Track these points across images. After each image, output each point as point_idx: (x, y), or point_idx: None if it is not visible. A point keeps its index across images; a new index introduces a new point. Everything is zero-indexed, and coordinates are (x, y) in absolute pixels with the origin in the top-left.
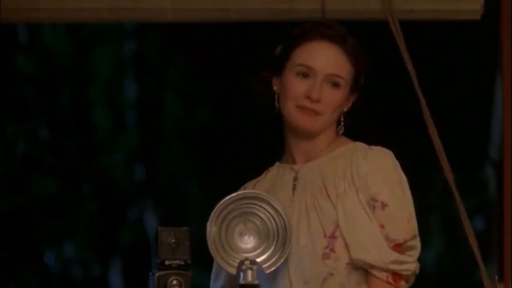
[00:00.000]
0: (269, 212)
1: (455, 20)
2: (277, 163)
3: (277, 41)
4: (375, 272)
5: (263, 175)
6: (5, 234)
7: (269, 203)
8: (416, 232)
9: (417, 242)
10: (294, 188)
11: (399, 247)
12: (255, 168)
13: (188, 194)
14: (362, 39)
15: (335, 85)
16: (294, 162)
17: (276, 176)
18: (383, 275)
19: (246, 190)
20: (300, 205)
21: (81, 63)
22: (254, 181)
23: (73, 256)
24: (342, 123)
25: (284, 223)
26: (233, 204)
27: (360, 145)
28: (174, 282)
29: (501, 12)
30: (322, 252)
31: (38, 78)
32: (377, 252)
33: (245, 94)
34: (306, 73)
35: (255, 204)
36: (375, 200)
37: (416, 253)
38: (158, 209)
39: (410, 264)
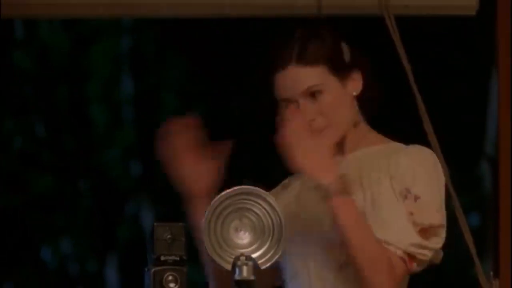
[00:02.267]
0: (264, 208)
1: (451, 15)
2: None
3: (273, 36)
4: (391, 248)
5: None
6: (2, 230)
7: (264, 199)
8: (444, 222)
9: (442, 232)
10: None
11: (424, 232)
12: (251, 164)
13: None
14: (358, 35)
15: (314, 94)
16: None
17: None
18: (399, 252)
19: (289, 178)
20: None
21: (78, 59)
22: (298, 174)
23: (69, 252)
24: (357, 108)
25: (280, 219)
26: (229, 199)
27: (401, 145)
28: (170, 277)
29: (496, 7)
30: (340, 240)
31: (35, 74)
32: (400, 232)
33: (242, 90)
34: (287, 104)
35: (251, 200)
36: (409, 191)
37: (439, 240)
38: (155, 205)
39: (428, 250)
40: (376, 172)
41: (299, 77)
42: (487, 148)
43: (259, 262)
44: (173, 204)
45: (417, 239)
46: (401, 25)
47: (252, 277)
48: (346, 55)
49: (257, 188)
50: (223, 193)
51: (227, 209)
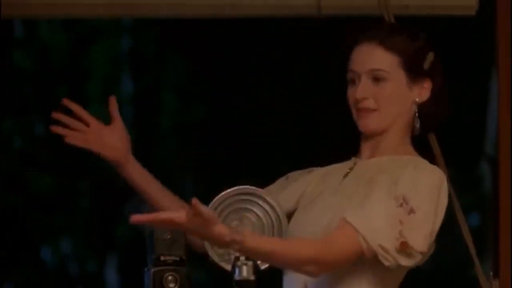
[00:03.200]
0: (264, 208)
1: (451, 15)
2: (352, 157)
3: (273, 37)
4: (351, 231)
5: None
6: (2, 230)
7: (264, 199)
8: (425, 250)
9: (418, 257)
10: (345, 176)
11: (404, 246)
12: (250, 164)
13: (184, 190)
14: (358, 35)
15: (378, 79)
16: (360, 156)
17: (341, 165)
18: (362, 241)
19: (313, 168)
20: (341, 193)
21: (78, 59)
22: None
23: (69, 251)
24: (417, 115)
25: (279, 219)
26: (228, 200)
27: (421, 160)
28: (170, 278)
29: (496, 7)
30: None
31: (35, 74)
32: (375, 230)
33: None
34: (352, 78)
35: (251, 200)
36: (406, 202)
37: (408, 262)
38: None
39: (394, 260)
40: (383, 174)
41: (372, 56)
42: (487, 148)
43: (259, 262)
44: None
45: (389, 245)
46: (401, 25)
47: (252, 277)
48: (428, 63)
49: (256, 188)
50: (223, 193)
51: (227, 209)
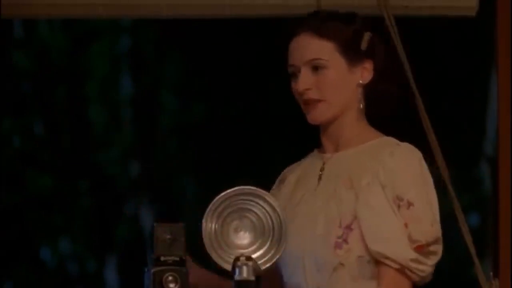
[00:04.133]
0: (264, 209)
1: (451, 16)
2: (315, 150)
3: (272, 36)
4: (388, 262)
5: (303, 159)
6: (1, 230)
7: (265, 200)
8: (439, 235)
9: (438, 248)
10: (319, 178)
11: (421, 249)
12: (250, 163)
13: (184, 190)
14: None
15: (317, 68)
16: (324, 151)
17: (308, 164)
18: (397, 266)
19: (285, 173)
20: (322, 195)
21: (77, 59)
22: (295, 164)
23: (68, 252)
24: (361, 98)
25: (280, 219)
26: (229, 200)
27: (389, 141)
28: (170, 278)
29: (496, 8)
30: (335, 241)
31: (34, 74)
32: (398, 247)
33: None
34: (293, 72)
35: (251, 200)
36: (401, 199)
37: (436, 258)
38: (154, 205)
39: (428, 266)
40: (366, 173)
41: (308, 47)
42: (486, 148)
43: (259, 262)
44: (172, 204)
45: (414, 254)
46: (401, 25)
47: (252, 278)
48: (364, 43)
49: (257, 189)
50: (223, 193)
51: (227, 209)
